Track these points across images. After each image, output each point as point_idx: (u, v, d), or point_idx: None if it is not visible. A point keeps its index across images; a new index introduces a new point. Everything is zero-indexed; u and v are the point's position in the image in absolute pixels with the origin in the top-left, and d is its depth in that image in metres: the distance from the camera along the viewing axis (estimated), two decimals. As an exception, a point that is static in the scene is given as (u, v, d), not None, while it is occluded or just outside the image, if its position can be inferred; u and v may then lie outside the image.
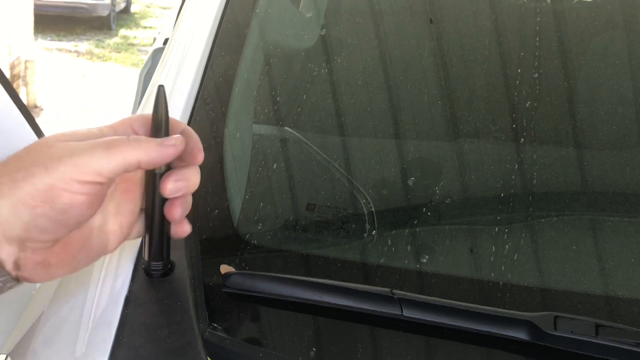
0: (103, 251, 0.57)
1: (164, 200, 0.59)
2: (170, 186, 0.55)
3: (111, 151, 0.50)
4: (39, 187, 0.48)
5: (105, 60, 7.71)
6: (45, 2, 8.27)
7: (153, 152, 0.52)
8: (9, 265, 0.50)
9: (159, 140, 0.53)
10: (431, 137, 0.93)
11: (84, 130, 0.53)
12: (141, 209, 0.60)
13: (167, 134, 0.56)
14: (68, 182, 0.48)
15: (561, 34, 1.01)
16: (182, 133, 0.56)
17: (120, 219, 0.57)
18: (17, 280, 0.51)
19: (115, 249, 0.58)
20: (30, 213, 0.48)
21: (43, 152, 0.49)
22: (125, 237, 0.58)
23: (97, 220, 0.54)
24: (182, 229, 0.59)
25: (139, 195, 0.58)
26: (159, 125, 0.56)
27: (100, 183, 0.50)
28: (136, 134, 0.57)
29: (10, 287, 0.53)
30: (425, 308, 0.64)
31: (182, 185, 0.56)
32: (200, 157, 0.57)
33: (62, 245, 0.52)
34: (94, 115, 5.28)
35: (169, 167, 0.58)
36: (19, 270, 0.50)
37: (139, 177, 0.58)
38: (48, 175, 0.48)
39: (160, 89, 0.56)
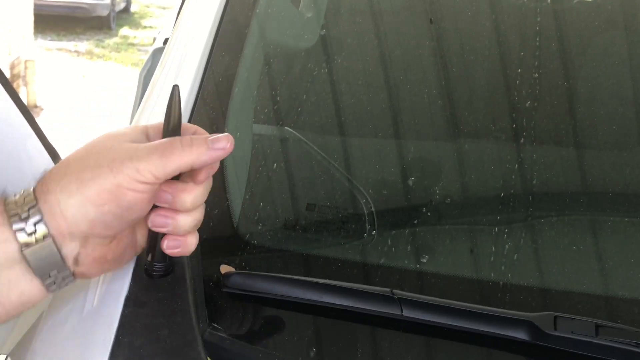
0: (141, 247, 0.61)
1: None
2: (203, 175, 0.57)
3: (166, 157, 0.53)
4: (106, 186, 0.51)
5: (106, 60, 7.71)
6: (45, 2, 8.27)
7: (204, 155, 0.54)
8: (69, 261, 0.53)
9: (209, 141, 0.55)
10: (431, 137, 0.93)
11: (132, 128, 0.57)
12: None
13: (178, 133, 0.56)
14: (131, 182, 0.52)
15: (561, 34, 1.01)
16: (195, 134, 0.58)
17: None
18: (74, 276, 0.54)
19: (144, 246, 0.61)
20: (98, 210, 0.51)
21: (104, 153, 0.53)
22: None
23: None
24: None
25: None
26: (175, 127, 0.56)
27: (157, 183, 0.54)
28: (148, 140, 0.58)
29: (67, 284, 0.54)
30: (426, 308, 0.64)
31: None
32: (215, 166, 0.58)
33: (117, 241, 0.56)
34: (93, 115, 5.29)
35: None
36: (77, 265, 0.53)
37: None
38: (114, 176, 0.51)
39: (175, 88, 0.56)
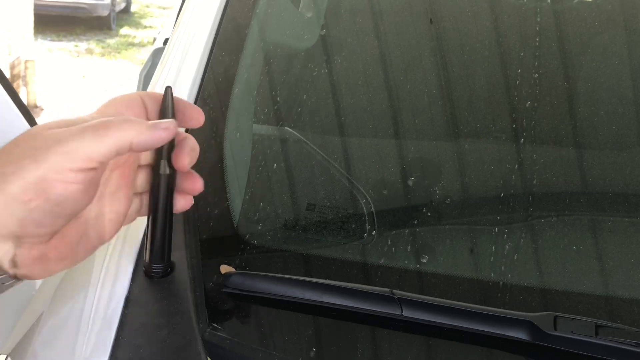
0: (101, 240, 0.55)
1: (168, 202, 0.59)
2: (186, 159, 0.56)
3: (101, 133, 0.48)
4: (30, 180, 0.46)
5: (106, 60, 7.71)
6: (45, 2, 8.27)
7: (144, 133, 0.50)
8: (5, 264, 0.48)
9: (151, 122, 0.51)
10: (431, 137, 0.93)
11: (73, 118, 0.51)
12: (135, 194, 0.58)
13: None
14: (60, 171, 0.46)
15: (561, 34, 1.01)
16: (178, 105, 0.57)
17: (115, 206, 0.55)
18: (16, 278, 0.49)
19: (112, 236, 0.56)
20: (24, 208, 0.46)
21: (30, 142, 0.47)
22: (122, 224, 0.57)
23: (92, 209, 0.53)
24: (193, 185, 0.59)
25: (131, 180, 0.57)
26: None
27: (94, 169, 0.48)
28: (147, 109, 0.56)
29: (9, 286, 0.50)
30: (426, 308, 0.64)
31: (193, 154, 0.57)
32: (201, 118, 0.58)
33: (60, 238, 0.50)
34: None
35: (173, 169, 0.58)
36: (16, 267, 0.48)
37: (131, 161, 0.56)
38: (38, 167, 0.46)
39: (168, 90, 0.56)
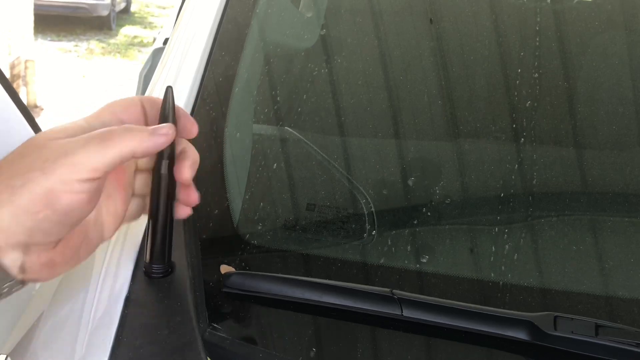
0: (101, 240, 0.57)
1: (168, 203, 0.59)
2: (188, 173, 0.57)
3: (104, 145, 0.49)
4: (38, 192, 0.47)
5: (107, 60, 7.71)
6: (45, 2, 8.26)
7: (146, 141, 0.52)
8: (14, 271, 0.49)
9: (150, 129, 0.53)
10: (431, 137, 0.93)
11: (71, 124, 0.52)
12: (134, 194, 0.60)
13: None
14: (67, 183, 0.48)
15: (561, 34, 1.01)
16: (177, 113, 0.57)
17: (114, 206, 0.56)
18: (23, 283, 0.51)
19: (112, 235, 0.58)
20: (33, 219, 0.48)
21: (36, 154, 0.49)
22: (121, 222, 0.58)
23: (92, 212, 0.54)
24: (188, 197, 0.60)
25: (128, 181, 0.58)
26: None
27: (98, 178, 0.50)
28: (146, 114, 0.57)
29: (16, 290, 0.52)
30: (425, 308, 0.64)
31: (194, 167, 0.58)
32: (194, 130, 0.59)
33: (65, 242, 0.52)
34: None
35: (171, 170, 0.58)
36: (25, 273, 0.50)
37: (127, 163, 0.57)
38: (46, 179, 0.47)
39: (169, 90, 0.56)
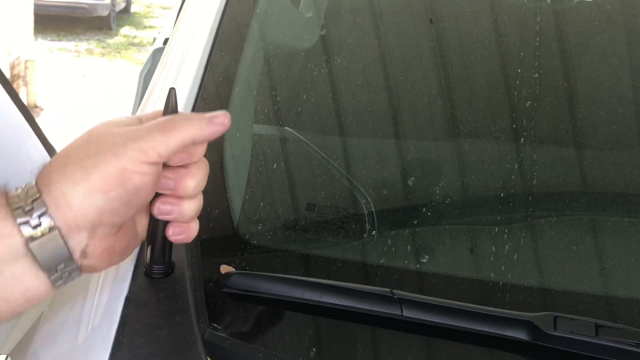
0: (141, 238, 0.60)
1: None
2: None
3: (168, 132, 0.53)
4: (111, 171, 0.50)
5: (107, 60, 7.71)
6: (45, 2, 8.26)
7: (205, 129, 0.54)
8: (77, 254, 0.51)
9: (207, 116, 0.55)
10: (431, 137, 0.93)
11: (125, 118, 0.56)
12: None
13: None
14: (137, 164, 0.51)
15: (561, 34, 1.01)
16: None
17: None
18: (81, 269, 0.53)
19: (145, 235, 0.60)
20: (105, 197, 0.50)
21: (102, 140, 0.52)
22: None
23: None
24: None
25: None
26: None
27: (161, 163, 0.53)
28: None
29: (73, 278, 0.53)
30: (425, 308, 0.64)
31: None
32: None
33: (123, 231, 0.55)
34: (94, 115, 5.28)
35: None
36: (86, 258, 0.52)
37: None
38: (118, 160, 0.50)
39: (172, 91, 0.57)
